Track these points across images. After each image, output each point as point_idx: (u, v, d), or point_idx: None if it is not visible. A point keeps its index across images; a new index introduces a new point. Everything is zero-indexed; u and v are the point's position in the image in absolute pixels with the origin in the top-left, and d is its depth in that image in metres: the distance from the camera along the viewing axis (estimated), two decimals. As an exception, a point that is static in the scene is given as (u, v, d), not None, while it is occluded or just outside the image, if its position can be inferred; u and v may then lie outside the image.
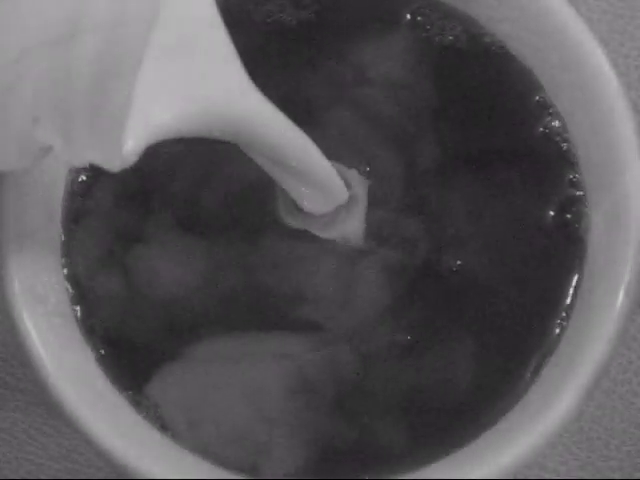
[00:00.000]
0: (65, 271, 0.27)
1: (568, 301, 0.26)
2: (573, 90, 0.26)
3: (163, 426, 0.26)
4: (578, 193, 0.26)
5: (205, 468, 0.26)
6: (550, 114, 0.26)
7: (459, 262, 0.26)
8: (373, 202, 0.26)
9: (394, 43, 0.27)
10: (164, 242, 0.27)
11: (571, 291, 0.26)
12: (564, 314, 0.26)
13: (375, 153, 0.27)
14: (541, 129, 0.27)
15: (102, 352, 0.26)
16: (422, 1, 0.27)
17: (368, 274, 0.26)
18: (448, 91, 0.27)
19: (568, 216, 0.26)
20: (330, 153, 0.25)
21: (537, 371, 0.26)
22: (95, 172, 0.27)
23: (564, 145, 0.26)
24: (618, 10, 0.35)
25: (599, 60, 0.25)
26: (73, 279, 0.27)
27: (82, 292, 0.27)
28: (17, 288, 0.25)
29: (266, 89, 0.22)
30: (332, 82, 0.27)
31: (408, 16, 0.27)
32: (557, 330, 0.26)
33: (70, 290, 0.27)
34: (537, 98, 0.27)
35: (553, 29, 0.26)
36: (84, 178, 0.27)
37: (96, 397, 0.25)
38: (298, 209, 0.26)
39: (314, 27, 0.27)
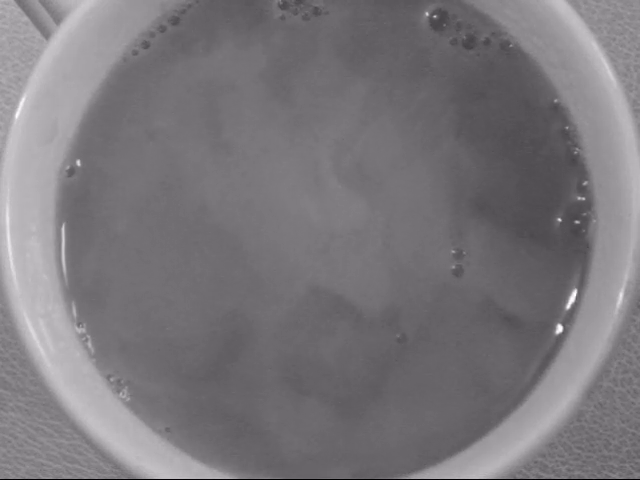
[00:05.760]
0: (65, 271, 0.27)
1: (571, 303, 0.26)
2: (573, 90, 0.26)
3: (165, 428, 0.26)
4: (586, 198, 0.26)
5: (203, 468, 0.26)
6: (564, 118, 0.26)
7: (465, 263, 0.26)
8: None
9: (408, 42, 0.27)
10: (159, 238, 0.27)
11: (574, 293, 0.26)
12: (567, 316, 0.26)
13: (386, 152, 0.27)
14: (554, 132, 0.27)
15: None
16: (440, 2, 0.27)
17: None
18: (459, 91, 0.27)
19: (576, 222, 0.26)
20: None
21: (540, 372, 0.26)
22: (91, 172, 0.27)
23: (575, 150, 0.26)
24: (618, 10, 0.35)
25: (599, 60, 0.25)
26: (73, 279, 0.27)
27: (82, 291, 0.27)
28: (17, 288, 0.25)
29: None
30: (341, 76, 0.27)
31: (426, 14, 0.27)
32: (559, 331, 0.26)
33: (70, 290, 0.27)
34: (555, 101, 0.26)
35: (553, 29, 0.26)
36: (80, 178, 0.27)
37: (95, 397, 0.25)
38: None
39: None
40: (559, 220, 0.26)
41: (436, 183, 0.27)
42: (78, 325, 0.26)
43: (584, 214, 0.26)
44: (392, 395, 0.26)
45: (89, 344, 0.26)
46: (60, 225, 0.27)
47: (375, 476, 0.26)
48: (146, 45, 0.27)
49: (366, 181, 0.27)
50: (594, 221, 0.26)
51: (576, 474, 0.33)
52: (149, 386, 0.26)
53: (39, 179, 0.26)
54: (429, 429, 0.26)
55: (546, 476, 0.33)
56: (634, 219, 0.24)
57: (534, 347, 0.26)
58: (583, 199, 0.26)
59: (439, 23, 0.27)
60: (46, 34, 0.30)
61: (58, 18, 0.27)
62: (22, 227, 0.26)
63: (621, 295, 0.24)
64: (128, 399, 0.26)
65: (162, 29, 0.28)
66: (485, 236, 0.26)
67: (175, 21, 0.28)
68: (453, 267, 0.26)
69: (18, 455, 0.34)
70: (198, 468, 0.26)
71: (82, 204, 0.27)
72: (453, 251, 0.26)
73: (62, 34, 0.26)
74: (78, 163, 0.27)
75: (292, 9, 0.27)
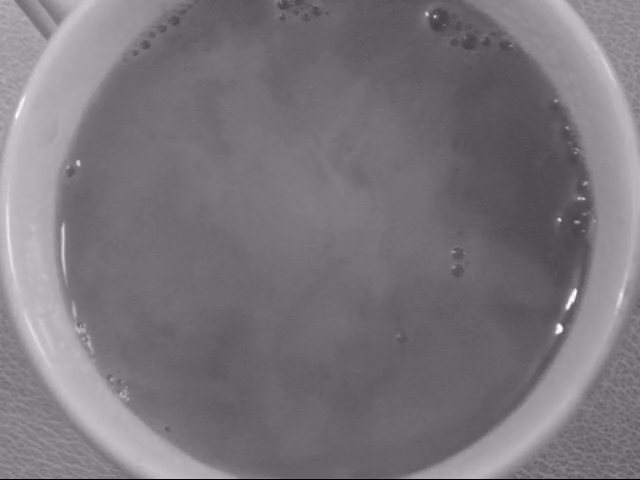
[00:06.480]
0: (65, 271, 0.27)
1: (571, 303, 0.26)
2: (573, 90, 0.26)
3: (165, 427, 0.26)
4: (586, 198, 0.26)
5: (203, 468, 0.26)
6: (564, 118, 0.26)
7: (465, 263, 0.26)
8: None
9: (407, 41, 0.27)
10: (159, 235, 0.27)
11: (574, 293, 0.26)
12: (567, 316, 0.26)
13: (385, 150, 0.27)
14: (554, 132, 0.26)
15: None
16: (440, 2, 0.27)
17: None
18: (459, 91, 0.27)
19: (576, 222, 0.26)
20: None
21: (539, 372, 0.26)
22: (91, 172, 0.27)
23: (575, 150, 0.26)
24: (618, 10, 0.35)
25: (599, 60, 0.25)
26: (73, 279, 0.27)
27: (82, 291, 0.27)
28: (17, 288, 0.25)
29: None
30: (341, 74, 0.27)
31: (426, 14, 0.27)
32: (559, 331, 0.26)
33: (70, 290, 0.27)
34: (555, 101, 0.26)
35: (553, 29, 0.26)
36: (80, 178, 0.27)
37: (95, 397, 0.25)
38: None
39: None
40: (559, 220, 0.26)
41: (436, 183, 0.27)
42: (78, 325, 0.26)
43: (584, 214, 0.26)
44: (392, 395, 0.26)
45: (89, 344, 0.26)
46: (60, 225, 0.27)
47: (375, 476, 0.26)
48: (146, 45, 0.27)
49: (366, 181, 0.27)
50: (594, 221, 0.26)
51: (576, 474, 0.33)
52: (149, 386, 0.26)
53: (39, 179, 0.26)
54: (429, 429, 0.26)
55: (546, 476, 0.33)
56: (634, 219, 0.24)
57: (534, 347, 0.26)
58: (583, 199, 0.26)
59: (439, 23, 0.27)
60: (46, 34, 0.30)
61: (58, 18, 0.27)
62: (22, 227, 0.26)
63: (621, 295, 0.24)
64: (128, 399, 0.26)
65: (162, 29, 0.28)
66: (485, 236, 0.26)
67: (175, 21, 0.28)
68: (453, 267, 0.26)
69: (18, 455, 0.34)
70: (198, 468, 0.26)
71: (82, 204, 0.27)
72: (453, 251, 0.26)
73: (62, 34, 0.26)
74: (78, 163, 0.27)
75: (292, 9, 0.27)
